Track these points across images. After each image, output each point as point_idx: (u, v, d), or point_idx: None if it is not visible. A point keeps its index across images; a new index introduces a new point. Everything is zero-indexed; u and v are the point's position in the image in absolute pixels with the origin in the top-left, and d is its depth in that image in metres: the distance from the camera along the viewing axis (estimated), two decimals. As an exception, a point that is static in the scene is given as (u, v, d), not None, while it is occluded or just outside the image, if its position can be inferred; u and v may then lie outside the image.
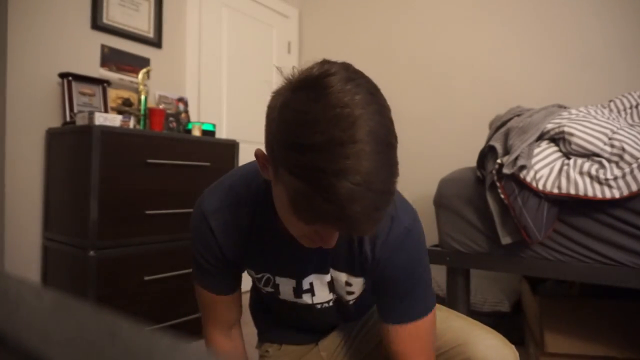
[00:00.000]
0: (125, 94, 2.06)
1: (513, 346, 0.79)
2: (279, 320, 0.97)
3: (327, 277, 0.80)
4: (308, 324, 0.95)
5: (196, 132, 2.04)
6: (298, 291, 0.82)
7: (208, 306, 0.86)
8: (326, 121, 0.50)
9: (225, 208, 0.77)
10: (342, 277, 0.80)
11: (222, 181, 0.81)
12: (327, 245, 0.62)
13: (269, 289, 0.83)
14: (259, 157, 0.62)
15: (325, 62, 0.56)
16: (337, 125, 0.49)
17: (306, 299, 0.83)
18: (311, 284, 0.81)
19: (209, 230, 0.77)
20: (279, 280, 0.81)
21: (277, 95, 0.58)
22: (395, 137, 0.56)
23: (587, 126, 1.30)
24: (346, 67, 0.56)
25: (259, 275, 0.82)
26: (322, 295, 0.83)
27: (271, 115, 0.57)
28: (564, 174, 1.26)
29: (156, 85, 2.24)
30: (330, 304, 0.85)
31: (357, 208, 0.51)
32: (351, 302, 0.85)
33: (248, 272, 0.86)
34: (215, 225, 0.76)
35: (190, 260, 0.85)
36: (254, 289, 1.01)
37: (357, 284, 0.81)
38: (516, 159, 1.31)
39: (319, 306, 0.85)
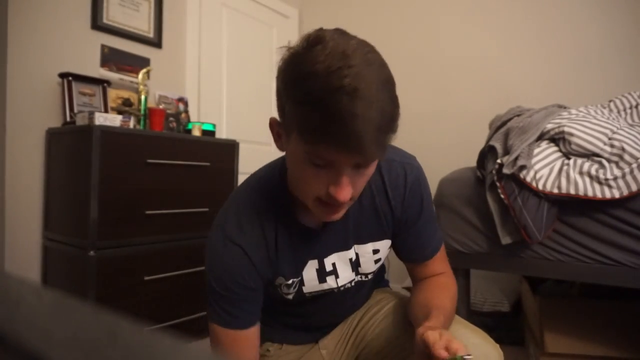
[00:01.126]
0: (125, 94, 2.06)
1: (497, 345, 0.79)
2: (281, 320, 0.96)
3: (350, 254, 0.82)
4: (312, 322, 0.95)
5: (196, 132, 2.04)
6: (322, 273, 0.82)
7: (234, 346, 0.79)
8: (324, 55, 0.56)
9: (249, 224, 0.76)
10: (368, 247, 0.83)
11: (236, 200, 0.79)
12: (341, 198, 0.62)
13: (294, 290, 0.82)
14: (273, 125, 0.69)
15: (320, 29, 0.62)
16: (334, 57, 0.56)
17: (330, 282, 0.83)
18: (334, 265, 0.82)
19: (241, 252, 0.74)
20: (304, 270, 0.81)
21: (281, 60, 0.64)
22: (392, 77, 0.62)
23: (587, 126, 1.31)
24: (340, 29, 0.63)
25: (290, 281, 0.80)
26: (345, 276, 0.84)
27: (278, 76, 0.64)
28: (564, 174, 1.27)
29: (156, 85, 2.24)
30: (352, 284, 0.86)
31: (359, 124, 0.54)
32: (376, 271, 0.88)
33: (275, 286, 0.82)
34: (244, 243, 0.74)
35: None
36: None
37: (384, 247, 0.85)
38: (516, 159, 1.31)
39: (342, 288, 0.85)
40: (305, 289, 0.83)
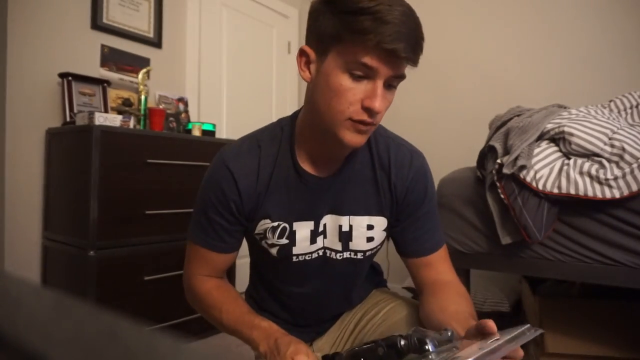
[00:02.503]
0: (125, 94, 2.06)
1: None
2: (277, 314, 0.95)
3: (342, 221, 0.82)
4: (303, 310, 0.93)
5: (196, 132, 2.04)
6: (314, 234, 0.82)
7: (200, 261, 0.85)
8: None
9: (246, 153, 0.80)
10: (364, 221, 0.83)
11: (248, 134, 0.85)
12: (378, 107, 0.66)
13: (282, 242, 0.82)
14: (303, 52, 0.73)
15: None
16: None
17: (319, 242, 0.84)
18: (324, 226, 0.83)
19: (229, 175, 0.78)
20: (296, 226, 0.81)
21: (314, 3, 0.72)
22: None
23: (587, 126, 1.30)
24: None
25: (275, 224, 0.81)
26: (332, 240, 0.84)
27: (314, 5, 0.71)
28: (564, 174, 1.26)
29: (156, 85, 2.24)
30: (339, 257, 0.85)
31: (405, 28, 0.62)
32: (368, 254, 0.86)
33: (257, 233, 0.83)
34: (235, 168, 0.78)
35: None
36: (253, 283, 1.00)
37: (379, 226, 0.84)
38: (516, 159, 1.31)
39: (328, 252, 0.85)
40: (295, 250, 0.83)
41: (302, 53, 0.73)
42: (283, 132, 0.81)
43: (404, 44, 0.62)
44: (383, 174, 0.83)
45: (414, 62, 0.66)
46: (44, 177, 1.85)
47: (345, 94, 0.67)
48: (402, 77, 0.69)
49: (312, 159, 0.80)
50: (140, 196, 1.71)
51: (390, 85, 0.69)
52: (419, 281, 0.88)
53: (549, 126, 1.36)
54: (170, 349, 0.17)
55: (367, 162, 0.82)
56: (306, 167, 0.80)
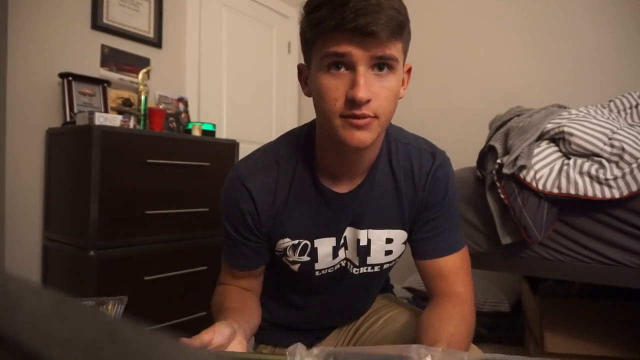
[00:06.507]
0: (125, 94, 2.06)
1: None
2: (278, 316, 0.95)
3: (360, 235, 0.80)
4: (308, 317, 0.92)
5: (196, 132, 2.04)
6: (336, 248, 0.81)
7: (227, 275, 0.85)
8: None
9: (262, 170, 0.77)
10: (382, 234, 0.80)
11: (263, 147, 0.82)
12: (359, 95, 0.62)
13: (304, 259, 0.80)
14: (300, 70, 0.73)
15: None
16: None
17: (341, 254, 0.82)
18: (345, 238, 0.81)
19: (246, 193, 0.76)
20: (318, 243, 0.79)
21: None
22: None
23: (587, 126, 1.31)
24: None
25: (296, 242, 0.79)
26: (352, 253, 0.82)
27: (301, 19, 0.70)
28: (563, 174, 1.27)
29: (156, 85, 2.24)
30: (355, 271, 0.83)
31: (367, 7, 0.59)
32: (385, 267, 0.84)
33: (277, 250, 0.81)
34: (252, 187, 0.76)
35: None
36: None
37: (398, 240, 0.82)
38: (516, 159, 1.31)
39: (348, 265, 0.83)
40: (318, 266, 0.81)
41: (299, 71, 0.73)
42: (300, 145, 0.79)
43: (366, 19, 0.59)
44: (407, 184, 0.79)
45: (390, 35, 0.62)
46: (44, 177, 1.85)
47: (329, 92, 0.65)
48: (389, 58, 0.63)
49: (332, 173, 0.77)
50: (140, 196, 1.70)
51: (381, 69, 0.64)
52: (428, 289, 0.83)
53: (549, 126, 1.37)
54: (170, 349, 0.17)
55: (387, 173, 0.79)
56: (327, 182, 0.77)
